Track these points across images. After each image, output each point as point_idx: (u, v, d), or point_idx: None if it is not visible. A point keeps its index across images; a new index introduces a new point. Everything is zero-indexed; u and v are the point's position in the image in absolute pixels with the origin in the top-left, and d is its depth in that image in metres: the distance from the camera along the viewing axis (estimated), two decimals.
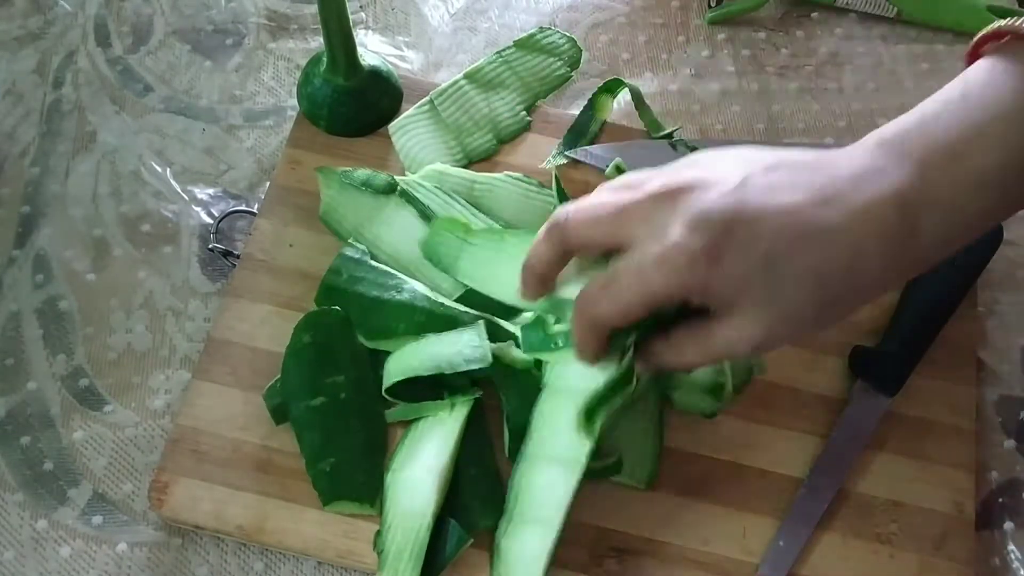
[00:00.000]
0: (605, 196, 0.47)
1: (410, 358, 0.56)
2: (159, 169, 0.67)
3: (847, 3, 0.74)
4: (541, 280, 0.50)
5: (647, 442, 0.57)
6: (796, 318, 0.44)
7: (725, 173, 0.44)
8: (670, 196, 0.44)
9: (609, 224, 0.46)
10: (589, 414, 0.52)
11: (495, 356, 0.54)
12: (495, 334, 0.57)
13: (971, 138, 0.43)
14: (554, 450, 0.54)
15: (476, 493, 0.55)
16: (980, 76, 0.45)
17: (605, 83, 0.68)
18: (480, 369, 0.55)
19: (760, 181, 0.43)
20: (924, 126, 0.44)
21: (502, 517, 0.54)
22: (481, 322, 0.57)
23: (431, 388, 0.57)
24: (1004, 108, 0.43)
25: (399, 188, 0.63)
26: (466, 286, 0.59)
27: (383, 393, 0.57)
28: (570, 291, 0.50)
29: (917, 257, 0.44)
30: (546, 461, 0.54)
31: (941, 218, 0.43)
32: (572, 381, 0.54)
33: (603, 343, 0.48)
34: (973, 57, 0.48)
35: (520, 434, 0.55)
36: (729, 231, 0.42)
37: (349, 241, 0.61)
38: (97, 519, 0.57)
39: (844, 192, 0.43)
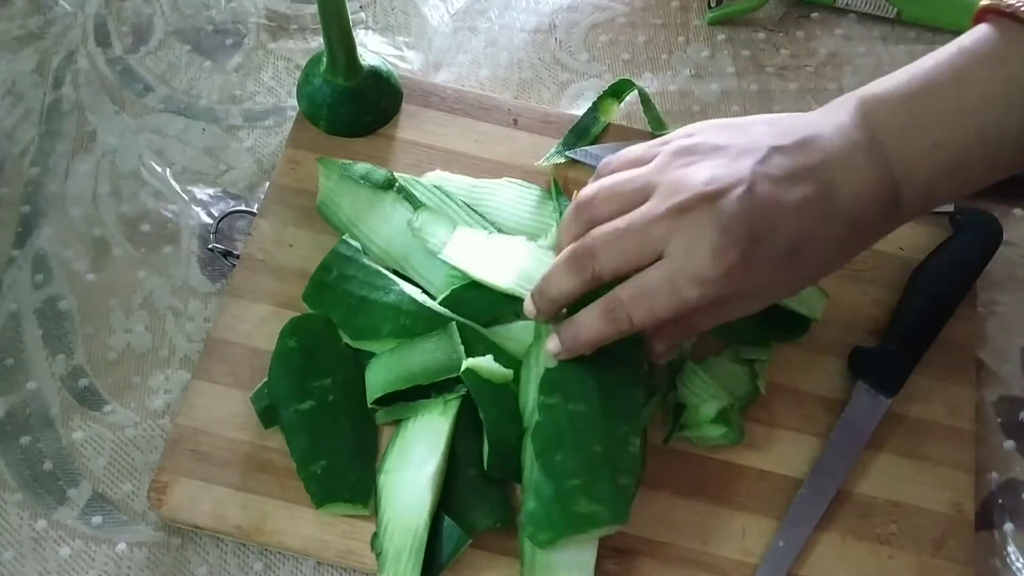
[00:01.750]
0: (622, 222, 0.49)
1: (386, 372, 0.57)
2: (159, 169, 0.67)
3: (847, 4, 0.74)
4: (558, 307, 0.53)
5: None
6: (809, 279, 0.51)
7: (730, 171, 0.47)
8: (690, 209, 0.46)
9: (636, 247, 0.48)
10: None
11: (472, 371, 0.55)
12: (473, 344, 0.57)
13: (951, 127, 0.47)
14: None
15: (475, 494, 0.55)
16: (974, 50, 0.48)
17: (612, 85, 0.68)
18: (459, 380, 0.55)
19: (764, 174, 0.47)
20: (909, 104, 0.48)
21: (522, 572, 0.53)
22: (453, 324, 0.57)
23: (419, 388, 0.57)
24: (987, 97, 0.47)
25: (397, 184, 0.63)
26: (452, 287, 0.59)
27: (369, 405, 0.57)
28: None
29: (900, 220, 0.50)
30: None
31: (917, 192, 0.49)
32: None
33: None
34: (977, 20, 0.50)
35: (501, 448, 0.54)
36: (755, 239, 0.46)
37: (344, 237, 0.61)
38: (97, 519, 0.57)
39: (839, 178, 0.47)
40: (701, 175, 0.47)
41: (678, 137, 0.51)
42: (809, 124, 0.49)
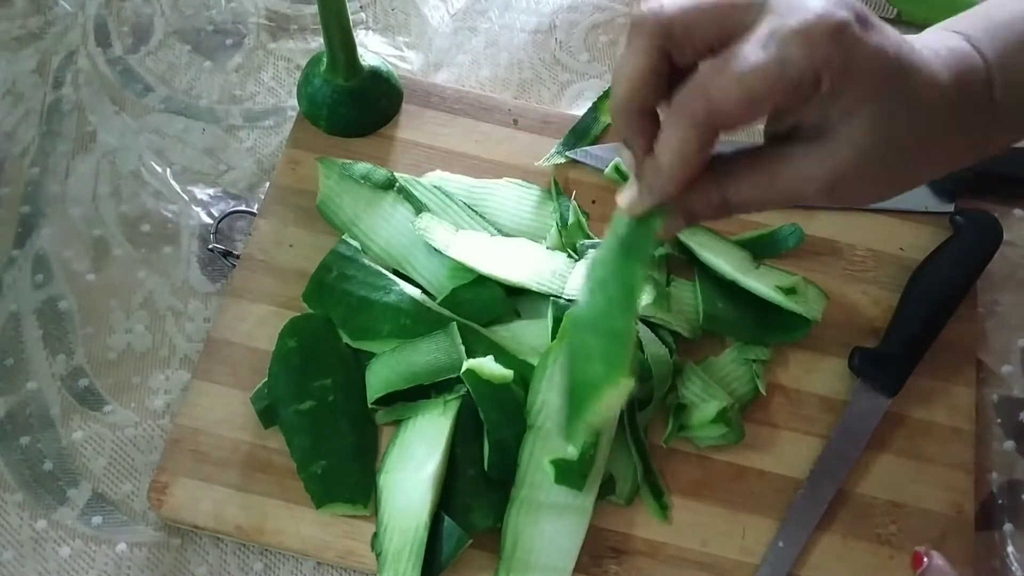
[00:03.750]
0: None
1: (388, 371, 0.57)
2: (159, 169, 0.67)
3: None
4: (636, 105, 0.40)
5: (629, 463, 0.57)
6: (890, 154, 0.40)
7: None
8: None
9: (717, 9, 0.38)
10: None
11: (473, 371, 0.55)
12: (474, 344, 0.57)
13: None
14: (555, 497, 0.54)
15: (475, 494, 0.55)
16: None
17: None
18: (459, 379, 0.55)
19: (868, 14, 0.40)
20: (985, 12, 0.43)
21: (499, 565, 0.54)
22: (453, 324, 0.57)
23: (419, 388, 0.57)
24: None
25: (397, 184, 0.63)
26: (454, 285, 0.59)
27: (369, 405, 0.57)
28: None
29: (993, 114, 0.42)
30: (547, 508, 0.54)
31: (1012, 92, 0.42)
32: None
33: (703, 157, 0.39)
34: None
35: (501, 448, 0.55)
36: (864, 18, 0.38)
37: (344, 237, 0.61)
38: (97, 519, 0.57)
39: (932, 47, 0.41)
40: None
41: None
42: None
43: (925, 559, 0.52)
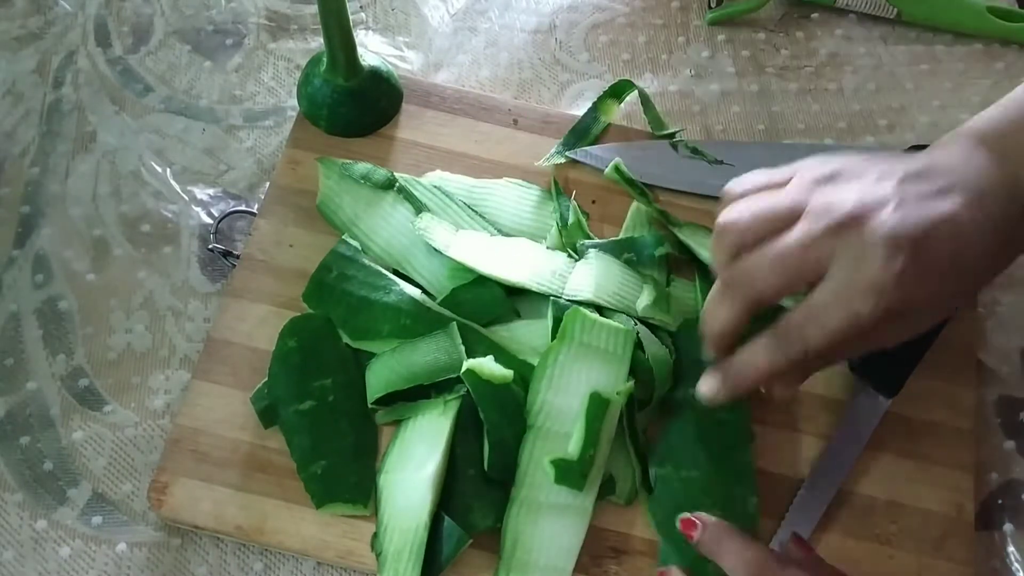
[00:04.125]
0: (779, 244, 0.47)
1: (387, 372, 0.57)
2: (159, 169, 0.67)
3: (847, 4, 0.74)
4: (730, 342, 0.50)
5: (629, 463, 0.57)
6: (966, 292, 0.50)
7: (876, 192, 0.47)
8: (849, 225, 0.46)
9: (798, 267, 0.47)
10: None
11: (473, 371, 0.55)
12: (474, 344, 0.57)
13: None
14: (555, 497, 0.54)
15: (475, 494, 0.55)
16: None
17: (612, 86, 0.68)
18: (459, 379, 0.55)
19: (910, 192, 0.47)
20: (1015, 127, 0.49)
21: (499, 565, 0.54)
22: (453, 324, 0.57)
23: (419, 388, 0.57)
24: None
25: (397, 184, 0.63)
26: (454, 285, 0.59)
27: (369, 405, 0.57)
28: None
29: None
30: (547, 508, 0.54)
31: None
32: (561, 424, 0.55)
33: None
34: None
35: (501, 448, 0.55)
36: (918, 247, 0.45)
37: (344, 237, 0.61)
38: (97, 519, 0.57)
39: (979, 192, 0.47)
40: (851, 195, 0.47)
41: (806, 167, 0.50)
42: (927, 157, 0.49)
43: (698, 524, 0.51)
